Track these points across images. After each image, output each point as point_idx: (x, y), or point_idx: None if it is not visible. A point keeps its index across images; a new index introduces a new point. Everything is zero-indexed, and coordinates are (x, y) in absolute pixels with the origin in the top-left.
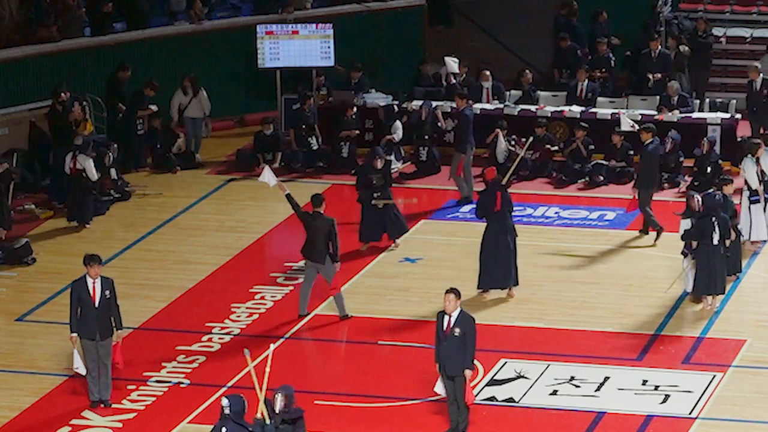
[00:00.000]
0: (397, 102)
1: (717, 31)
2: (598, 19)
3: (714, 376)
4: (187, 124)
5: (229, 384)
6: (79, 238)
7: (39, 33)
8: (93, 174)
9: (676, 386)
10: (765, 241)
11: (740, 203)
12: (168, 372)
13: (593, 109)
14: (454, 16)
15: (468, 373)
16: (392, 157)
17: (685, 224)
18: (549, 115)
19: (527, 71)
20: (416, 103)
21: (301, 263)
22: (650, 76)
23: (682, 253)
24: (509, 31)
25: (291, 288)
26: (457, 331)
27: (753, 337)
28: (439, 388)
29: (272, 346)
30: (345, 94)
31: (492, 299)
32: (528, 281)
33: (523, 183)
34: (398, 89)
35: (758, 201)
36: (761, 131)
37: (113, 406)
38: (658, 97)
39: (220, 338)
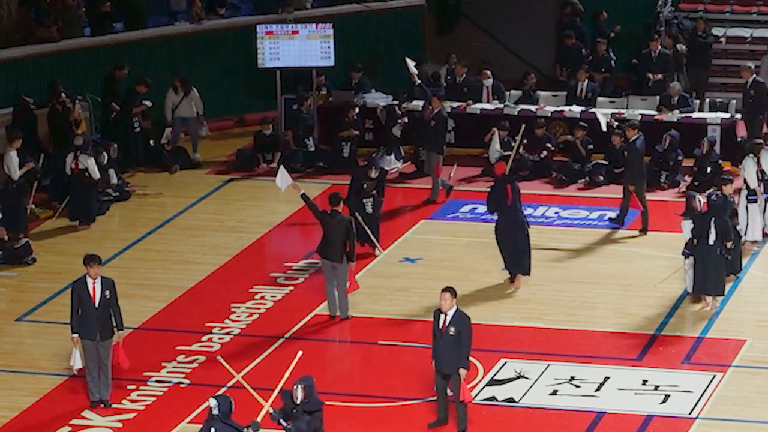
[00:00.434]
0: (397, 102)
1: (717, 31)
2: (599, 19)
3: (714, 376)
4: (178, 123)
5: (229, 384)
6: (79, 238)
7: (39, 33)
8: (96, 173)
9: (676, 386)
10: (758, 241)
11: (738, 203)
12: (168, 372)
13: (593, 109)
14: (462, 24)
15: (463, 372)
16: (392, 157)
17: (687, 225)
18: (549, 115)
19: (531, 74)
20: (417, 103)
21: (302, 263)
22: (650, 76)
23: (683, 253)
24: (510, 32)
25: (291, 288)
26: (452, 330)
27: (753, 337)
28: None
29: (299, 353)
30: (345, 94)
31: (491, 299)
32: (528, 281)
33: (523, 183)
34: (398, 89)
35: (756, 200)
36: (761, 131)
37: (113, 406)
38: (658, 97)
39: (220, 338)
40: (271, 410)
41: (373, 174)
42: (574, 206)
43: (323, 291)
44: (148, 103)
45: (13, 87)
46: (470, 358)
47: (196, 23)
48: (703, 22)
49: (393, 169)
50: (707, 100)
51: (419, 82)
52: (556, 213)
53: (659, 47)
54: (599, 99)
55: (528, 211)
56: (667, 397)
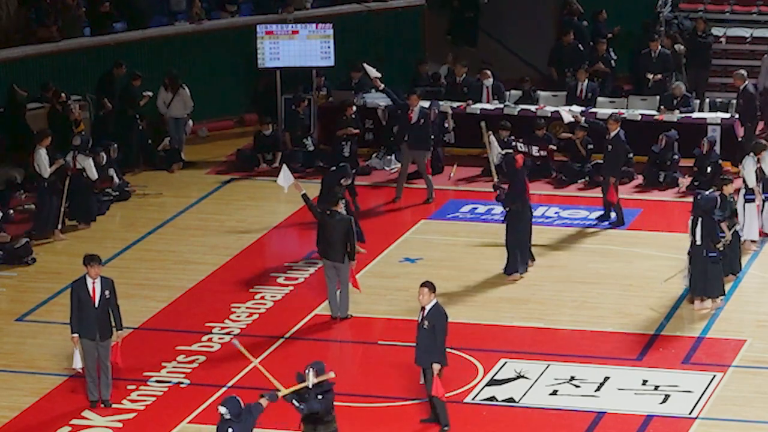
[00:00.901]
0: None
1: (717, 31)
2: (598, 19)
3: (714, 376)
4: (170, 123)
5: (229, 384)
6: (79, 238)
7: (39, 33)
8: (93, 173)
9: (676, 386)
10: (756, 240)
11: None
12: (168, 372)
13: (593, 109)
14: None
15: (436, 367)
16: (392, 157)
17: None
18: (549, 115)
19: (527, 79)
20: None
21: (302, 263)
22: (650, 77)
23: (689, 252)
24: (510, 32)
25: (291, 288)
26: (426, 323)
27: (753, 337)
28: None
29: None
30: (345, 94)
31: (492, 299)
32: (528, 281)
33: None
34: (398, 89)
35: (753, 200)
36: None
37: (113, 406)
38: (658, 97)
39: (220, 338)
40: (285, 392)
41: (344, 182)
42: (574, 206)
43: (323, 291)
44: (149, 93)
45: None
46: (472, 358)
47: (196, 23)
48: (703, 22)
49: (393, 169)
50: (707, 100)
51: (383, 86)
52: (556, 213)
53: (659, 47)
54: (599, 99)
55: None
56: (667, 397)
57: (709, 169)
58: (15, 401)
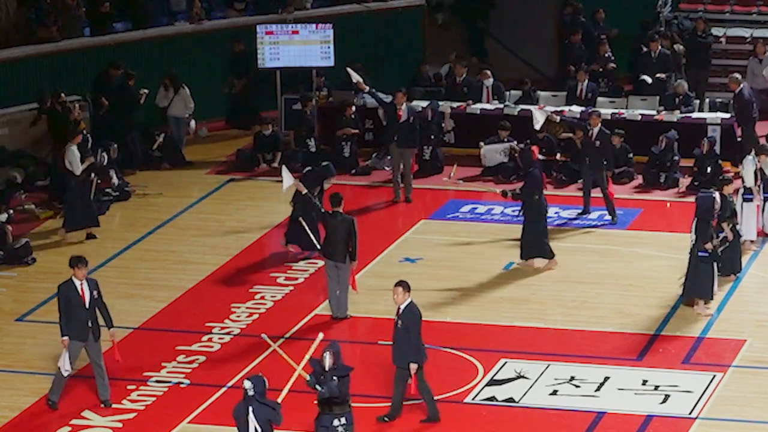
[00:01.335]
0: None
1: (717, 31)
2: (596, 18)
3: (714, 376)
4: (171, 122)
5: (229, 384)
6: (79, 238)
7: (39, 33)
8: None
9: (676, 386)
10: (754, 240)
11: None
12: (168, 372)
13: (593, 109)
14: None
15: (413, 367)
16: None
17: None
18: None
19: (526, 81)
20: (422, 103)
21: (302, 263)
22: (645, 77)
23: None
24: (511, 33)
25: (291, 288)
26: (400, 323)
27: (753, 337)
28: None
29: (320, 335)
30: (345, 94)
31: (491, 299)
32: (528, 281)
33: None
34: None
35: (752, 199)
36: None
37: (113, 406)
38: (658, 97)
39: (220, 338)
40: (307, 376)
41: (327, 185)
42: (574, 206)
43: (323, 291)
44: (146, 91)
45: (13, 87)
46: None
47: (196, 23)
48: (703, 22)
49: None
50: (707, 100)
51: (368, 88)
52: (556, 213)
53: (659, 47)
54: (599, 99)
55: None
56: (667, 397)
57: (709, 169)
58: (15, 401)
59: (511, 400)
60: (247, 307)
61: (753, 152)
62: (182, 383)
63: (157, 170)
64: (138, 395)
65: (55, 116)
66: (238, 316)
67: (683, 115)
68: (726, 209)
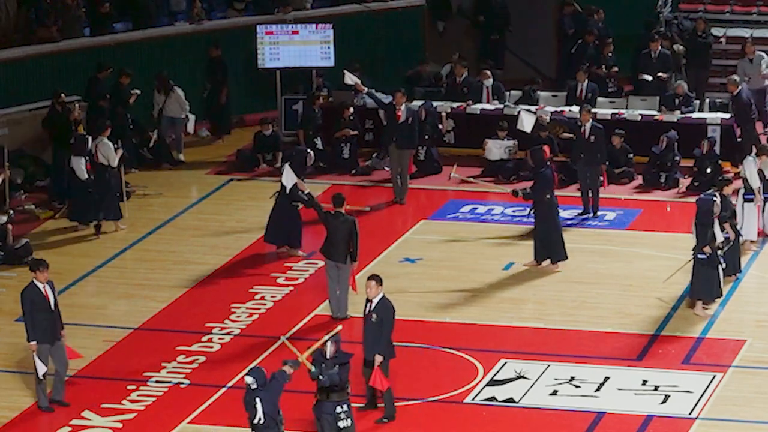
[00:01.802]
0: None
1: (717, 32)
2: (595, 18)
3: (714, 376)
4: (166, 123)
5: (229, 384)
6: (79, 238)
7: (39, 33)
8: (83, 173)
9: (676, 386)
10: (755, 240)
11: (736, 202)
12: (168, 372)
13: (593, 110)
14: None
15: (378, 358)
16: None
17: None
18: (548, 119)
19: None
20: (416, 103)
21: (302, 263)
22: (646, 77)
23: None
24: (511, 34)
25: (291, 288)
26: (374, 316)
27: (753, 338)
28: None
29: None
30: (345, 94)
31: (492, 299)
32: (528, 281)
33: (523, 183)
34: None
35: (752, 200)
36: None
37: (113, 406)
38: (658, 98)
39: (220, 338)
40: (311, 366)
41: (310, 161)
42: (574, 206)
43: (323, 291)
44: (138, 91)
45: (13, 87)
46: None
47: (196, 23)
48: (703, 23)
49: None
50: (707, 100)
51: (366, 89)
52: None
53: (659, 47)
54: (599, 99)
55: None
56: (667, 397)
57: (708, 169)
58: (15, 401)
59: (511, 400)
60: (247, 308)
61: (754, 152)
62: (182, 383)
63: (158, 170)
64: (138, 395)
65: (56, 117)
66: (238, 317)
67: (683, 115)
68: (726, 209)
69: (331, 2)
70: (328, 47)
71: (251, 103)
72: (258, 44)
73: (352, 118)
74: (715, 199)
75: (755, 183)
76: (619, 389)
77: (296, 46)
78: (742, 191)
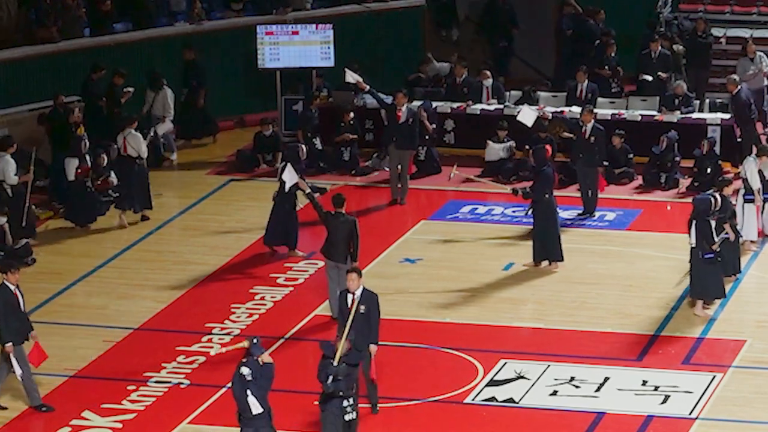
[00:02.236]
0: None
1: (717, 32)
2: (596, 19)
3: (714, 376)
4: (153, 123)
5: (229, 384)
6: (79, 238)
7: (39, 33)
8: (71, 174)
9: (676, 387)
10: (756, 240)
11: (736, 203)
12: (168, 372)
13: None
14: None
15: (373, 348)
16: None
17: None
18: (549, 117)
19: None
20: (416, 104)
21: (302, 263)
22: (646, 77)
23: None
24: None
25: (291, 288)
26: (362, 308)
27: (753, 338)
28: None
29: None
30: (345, 95)
31: (491, 299)
32: (528, 281)
33: (523, 184)
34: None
35: (752, 200)
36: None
37: (113, 406)
38: (658, 98)
39: (220, 338)
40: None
41: (302, 155)
42: (574, 206)
43: (323, 291)
44: (131, 89)
45: (13, 87)
46: (472, 358)
47: (196, 23)
48: (703, 23)
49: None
50: (707, 101)
51: (368, 87)
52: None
53: (659, 47)
54: (599, 99)
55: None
56: (667, 397)
57: (708, 169)
58: (15, 401)
59: (511, 400)
60: (247, 308)
61: (754, 153)
62: (182, 384)
63: (158, 170)
64: (138, 396)
65: (56, 118)
66: (238, 317)
67: (683, 115)
68: (727, 210)
69: (331, 2)
70: (328, 47)
71: (251, 103)
72: (258, 44)
73: (352, 122)
74: (711, 198)
75: (755, 183)
76: (619, 389)
77: (296, 47)
78: (742, 192)
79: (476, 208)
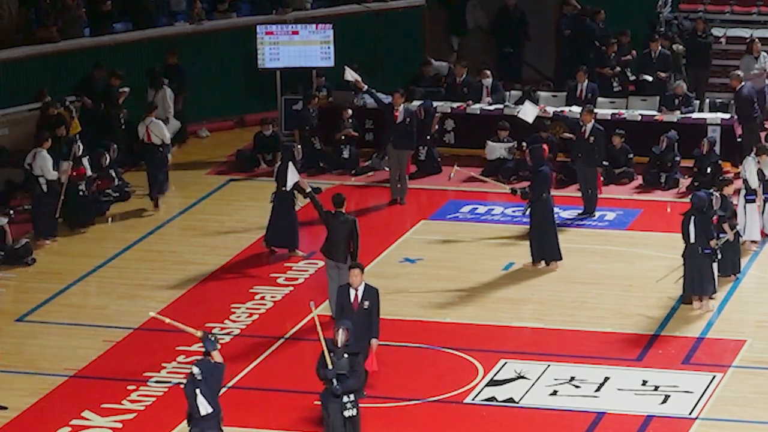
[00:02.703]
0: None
1: (717, 32)
2: (596, 19)
3: (714, 376)
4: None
5: (229, 384)
6: (79, 238)
7: (39, 33)
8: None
9: (676, 386)
10: (757, 241)
11: (737, 203)
12: (168, 372)
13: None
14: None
15: (374, 342)
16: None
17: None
18: (550, 115)
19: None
20: (416, 103)
21: (302, 263)
22: (647, 76)
23: (683, 255)
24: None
25: (291, 288)
26: (366, 304)
27: (753, 338)
28: None
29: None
30: (345, 94)
31: (491, 299)
32: (528, 281)
33: (523, 184)
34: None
35: (754, 200)
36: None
37: (113, 406)
38: (658, 98)
39: (219, 338)
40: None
41: (298, 154)
42: (574, 206)
43: (323, 291)
44: (127, 89)
45: (13, 87)
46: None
47: (196, 23)
48: (703, 23)
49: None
50: (707, 101)
51: (366, 87)
52: (556, 213)
53: (659, 47)
54: (599, 99)
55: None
56: (667, 397)
57: (709, 169)
58: (15, 401)
59: (511, 400)
60: (247, 308)
61: (754, 152)
62: (182, 384)
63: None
64: (138, 395)
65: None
66: (238, 317)
67: (683, 115)
68: (727, 209)
69: (331, 2)
70: (328, 47)
71: (251, 103)
72: (258, 44)
73: (351, 120)
74: (711, 196)
75: (753, 182)
76: (619, 389)
77: (296, 47)
78: (743, 192)
79: (476, 208)
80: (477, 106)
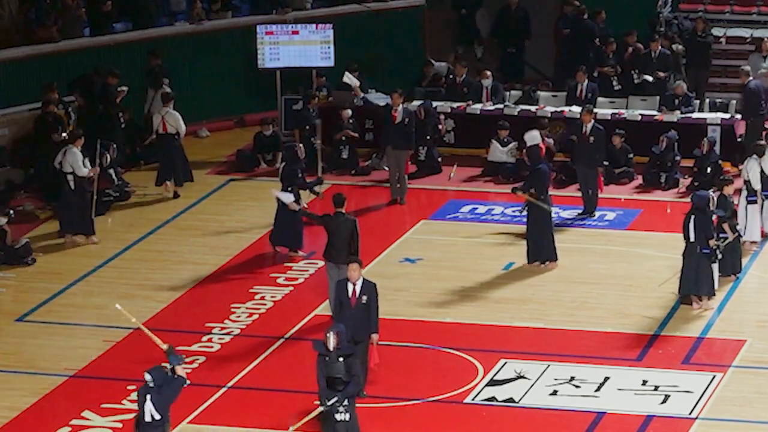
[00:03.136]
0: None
1: (717, 32)
2: (596, 19)
3: (714, 376)
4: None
5: (229, 384)
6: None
7: (39, 33)
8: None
9: (676, 386)
10: (757, 241)
11: (738, 203)
12: None
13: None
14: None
15: (375, 337)
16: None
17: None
18: (549, 115)
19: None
20: (415, 103)
21: (301, 264)
22: (647, 77)
23: (683, 254)
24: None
25: (291, 288)
26: (364, 298)
27: (753, 338)
28: None
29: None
30: (345, 94)
31: (491, 299)
32: (528, 281)
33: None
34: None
35: (755, 201)
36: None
37: (113, 406)
38: (658, 98)
39: (220, 338)
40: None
41: (319, 189)
42: (574, 206)
43: (323, 291)
44: (125, 88)
45: (13, 87)
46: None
47: (196, 23)
48: (703, 23)
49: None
50: (707, 100)
51: (362, 95)
52: (556, 213)
53: (659, 47)
54: (599, 99)
55: (521, 209)
56: (667, 397)
57: (709, 169)
58: (15, 401)
59: (511, 400)
60: (247, 308)
61: (754, 153)
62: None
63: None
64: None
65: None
66: (238, 317)
67: (683, 115)
68: (727, 209)
69: (331, 2)
70: (328, 47)
71: (251, 103)
72: (258, 44)
73: (350, 120)
74: (711, 195)
75: (756, 184)
76: (619, 389)
77: (296, 47)
78: (744, 193)
79: (476, 208)
80: (477, 106)
